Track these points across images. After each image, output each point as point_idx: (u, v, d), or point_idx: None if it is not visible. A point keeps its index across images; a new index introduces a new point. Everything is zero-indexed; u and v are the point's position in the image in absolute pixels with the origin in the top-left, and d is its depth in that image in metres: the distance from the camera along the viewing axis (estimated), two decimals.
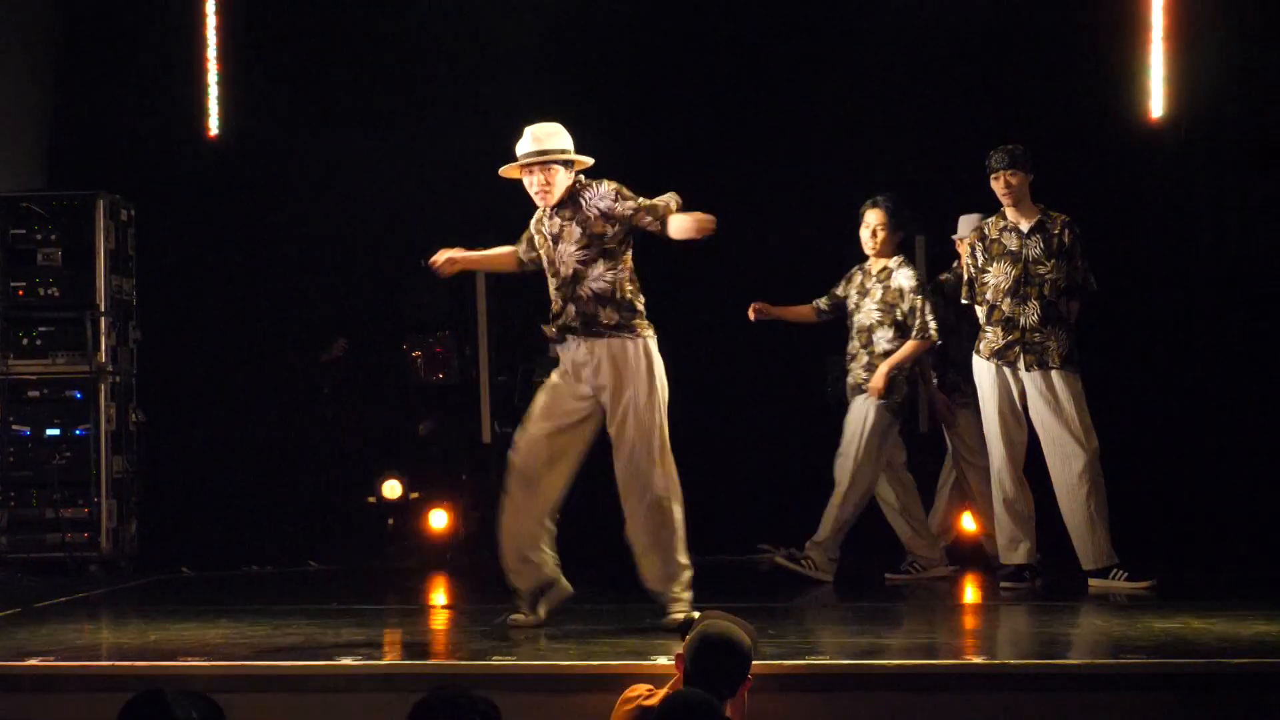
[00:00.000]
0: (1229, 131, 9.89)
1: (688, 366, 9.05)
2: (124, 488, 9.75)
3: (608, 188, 7.13)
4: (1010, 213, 8.38)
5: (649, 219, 7.06)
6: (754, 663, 5.10)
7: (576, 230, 7.10)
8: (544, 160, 7.12)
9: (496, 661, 6.31)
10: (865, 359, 8.74)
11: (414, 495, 10.21)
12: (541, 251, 7.26)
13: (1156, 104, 9.83)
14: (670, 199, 7.12)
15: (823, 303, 8.98)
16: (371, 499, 10.21)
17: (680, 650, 5.09)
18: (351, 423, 10.32)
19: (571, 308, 7.11)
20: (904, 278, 8.72)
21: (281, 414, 10.38)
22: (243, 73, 10.30)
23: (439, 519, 10.08)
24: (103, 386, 9.60)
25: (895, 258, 8.77)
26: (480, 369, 9.56)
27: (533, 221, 7.36)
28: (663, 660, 5.90)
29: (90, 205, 9.61)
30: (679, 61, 10.27)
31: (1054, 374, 8.25)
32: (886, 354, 8.67)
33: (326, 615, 7.75)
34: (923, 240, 9.74)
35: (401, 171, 10.21)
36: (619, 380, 7.04)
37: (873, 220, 8.77)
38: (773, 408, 9.99)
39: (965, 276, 8.51)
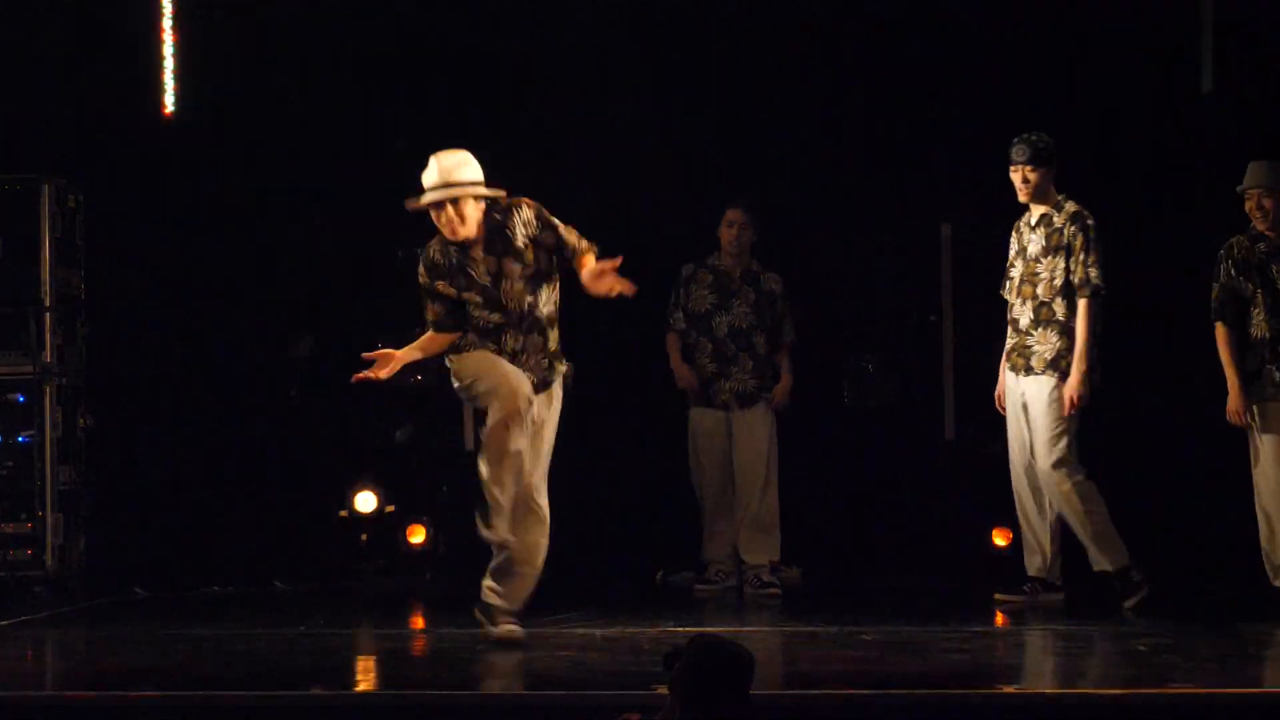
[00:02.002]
0: None
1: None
2: (71, 500, 9.72)
3: (529, 213, 7.18)
4: (1033, 205, 8.45)
5: (567, 250, 7.20)
6: (759, 692, 5.10)
7: (516, 266, 7.18)
8: (453, 195, 7.12)
9: (479, 690, 6.33)
10: (751, 363, 9.00)
11: (389, 508, 10.23)
12: (473, 293, 7.23)
13: (1206, 78, 9.86)
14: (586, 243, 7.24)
15: (681, 322, 9.20)
16: (343, 512, 10.22)
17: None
18: (321, 429, 10.31)
19: (537, 339, 7.23)
20: (774, 281, 9.15)
21: (245, 419, 10.37)
22: (202, 45, 10.25)
23: (417, 534, 10.09)
24: (48, 389, 9.58)
25: (754, 259, 9.12)
26: None
27: (430, 265, 7.30)
28: (660, 690, 5.90)
29: (34, 191, 9.58)
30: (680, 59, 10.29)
31: (1032, 379, 8.36)
32: (767, 356, 9.05)
33: (293, 640, 7.78)
34: (948, 228, 9.79)
35: (374, 156, 10.20)
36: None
37: (738, 218, 9.09)
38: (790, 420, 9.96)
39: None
